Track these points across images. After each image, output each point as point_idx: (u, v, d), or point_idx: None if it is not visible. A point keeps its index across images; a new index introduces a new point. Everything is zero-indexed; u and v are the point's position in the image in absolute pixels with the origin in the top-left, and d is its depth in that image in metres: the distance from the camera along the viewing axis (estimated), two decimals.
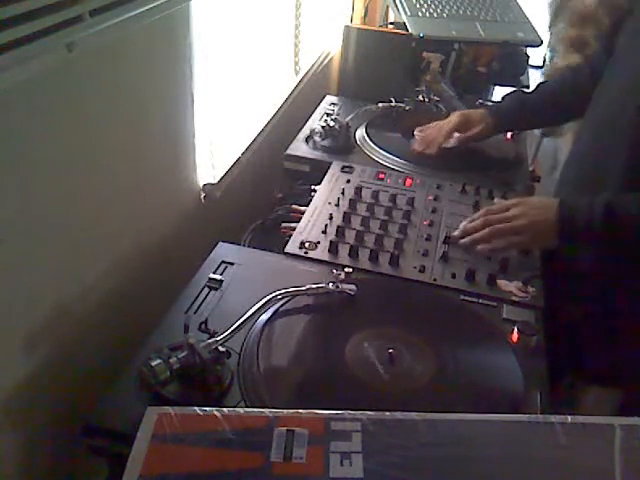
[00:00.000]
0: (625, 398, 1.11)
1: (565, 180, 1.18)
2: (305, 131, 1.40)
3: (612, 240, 0.95)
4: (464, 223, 1.05)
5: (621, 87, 1.00)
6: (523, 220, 0.98)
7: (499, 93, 2.02)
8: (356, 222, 1.07)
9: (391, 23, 2.03)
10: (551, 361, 0.84)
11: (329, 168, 1.25)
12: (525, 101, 1.32)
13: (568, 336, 1.05)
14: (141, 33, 0.84)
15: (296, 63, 1.66)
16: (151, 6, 0.78)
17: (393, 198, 1.14)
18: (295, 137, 1.38)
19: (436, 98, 1.63)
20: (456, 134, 1.33)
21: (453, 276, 0.97)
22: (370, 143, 1.37)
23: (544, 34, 1.91)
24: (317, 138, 1.35)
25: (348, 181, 1.20)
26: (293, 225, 1.06)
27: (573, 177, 1.14)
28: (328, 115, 1.42)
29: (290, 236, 1.03)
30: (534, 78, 2.11)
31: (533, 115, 1.32)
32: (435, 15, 1.82)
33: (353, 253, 0.99)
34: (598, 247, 1.01)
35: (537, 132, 2.24)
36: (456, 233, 1.05)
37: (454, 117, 1.34)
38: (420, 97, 1.62)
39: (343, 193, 1.15)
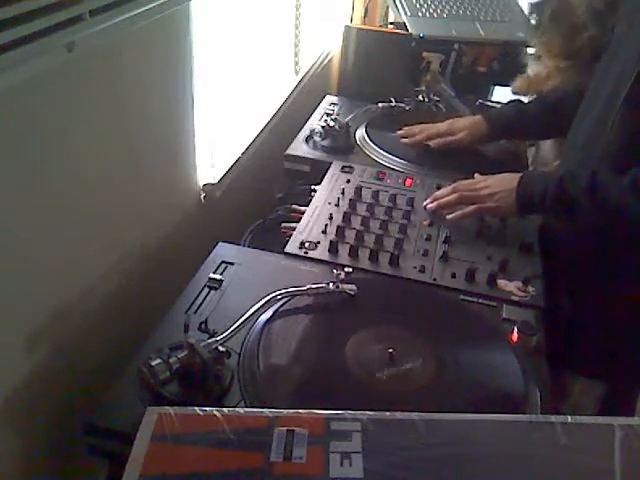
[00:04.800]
0: (608, 389, 1.14)
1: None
2: (305, 131, 1.40)
3: (564, 212, 1.00)
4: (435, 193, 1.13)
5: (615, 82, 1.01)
6: (488, 190, 1.05)
7: (499, 93, 2.02)
8: (356, 222, 1.07)
9: (391, 23, 2.03)
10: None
11: (329, 168, 1.25)
12: (527, 111, 1.32)
13: (563, 330, 1.07)
14: (141, 33, 0.84)
15: (296, 63, 1.66)
16: (151, 6, 0.78)
17: (393, 198, 1.14)
18: (295, 137, 1.38)
19: (436, 98, 1.63)
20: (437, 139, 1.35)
21: (453, 276, 0.97)
22: (370, 143, 1.37)
23: None
24: (317, 138, 1.35)
25: (348, 181, 1.20)
26: (293, 225, 1.06)
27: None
28: (328, 115, 1.42)
29: (290, 236, 1.03)
30: None
31: (533, 126, 1.32)
32: (435, 15, 1.82)
33: (353, 253, 0.99)
34: (554, 220, 1.09)
35: None
36: (425, 202, 1.12)
37: (443, 123, 1.37)
38: (420, 97, 1.62)
39: (343, 193, 1.15)
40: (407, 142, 1.37)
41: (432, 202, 1.11)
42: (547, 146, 1.62)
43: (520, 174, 1.04)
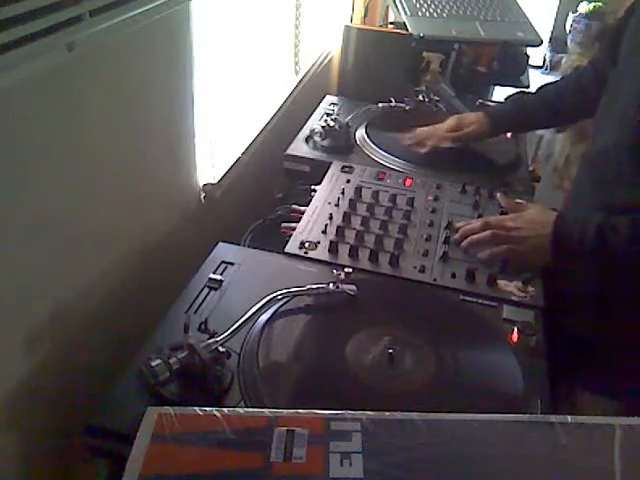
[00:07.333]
0: (623, 410, 1.07)
1: (581, 178, 1.18)
2: (305, 131, 1.40)
3: (602, 261, 0.95)
4: (461, 225, 1.06)
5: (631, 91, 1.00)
6: (522, 232, 1.00)
7: (499, 93, 2.02)
8: (356, 222, 1.07)
9: (391, 23, 2.03)
10: (551, 365, 0.83)
11: (329, 168, 1.25)
12: (526, 103, 1.34)
13: (568, 342, 1.04)
14: (141, 33, 0.84)
15: (296, 63, 1.66)
16: (151, 6, 0.78)
17: (393, 198, 1.14)
18: (295, 137, 1.38)
19: (436, 98, 1.63)
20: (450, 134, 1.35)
21: (453, 276, 0.97)
22: (370, 143, 1.37)
23: (544, 34, 1.90)
24: (317, 138, 1.35)
25: (348, 181, 1.20)
26: (293, 225, 1.06)
27: (589, 176, 1.14)
28: (328, 115, 1.42)
29: (290, 236, 1.03)
30: (534, 78, 2.12)
31: (533, 117, 1.34)
32: (435, 15, 1.82)
33: (353, 253, 0.99)
34: (590, 268, 1.01)
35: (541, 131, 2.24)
36: (455, 236, 1.05)
37: (449, 120, 1.37)
38: (420, 97, 1.62)
39: (343, 193, 1.15)
40: (418, 150, 1.35)
41: (462, 238, 1.04)
42: (552, 138, 1.63)
43: (553, 218, 0.98)
